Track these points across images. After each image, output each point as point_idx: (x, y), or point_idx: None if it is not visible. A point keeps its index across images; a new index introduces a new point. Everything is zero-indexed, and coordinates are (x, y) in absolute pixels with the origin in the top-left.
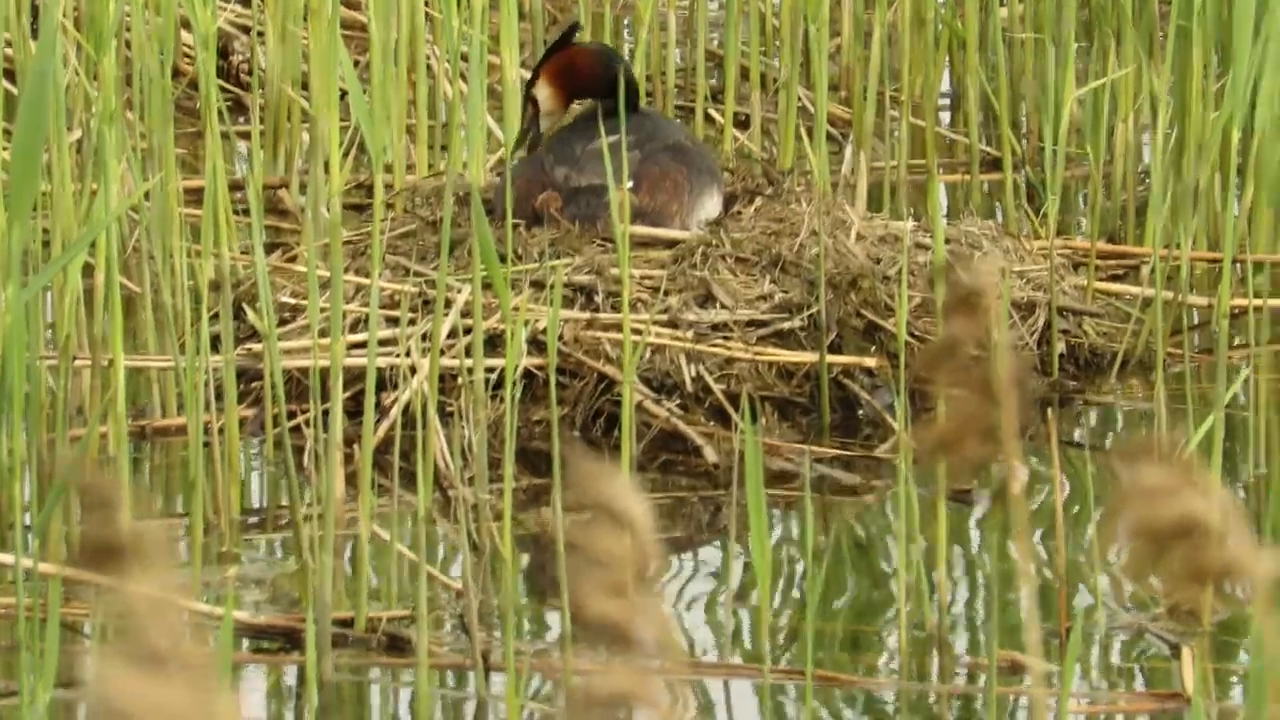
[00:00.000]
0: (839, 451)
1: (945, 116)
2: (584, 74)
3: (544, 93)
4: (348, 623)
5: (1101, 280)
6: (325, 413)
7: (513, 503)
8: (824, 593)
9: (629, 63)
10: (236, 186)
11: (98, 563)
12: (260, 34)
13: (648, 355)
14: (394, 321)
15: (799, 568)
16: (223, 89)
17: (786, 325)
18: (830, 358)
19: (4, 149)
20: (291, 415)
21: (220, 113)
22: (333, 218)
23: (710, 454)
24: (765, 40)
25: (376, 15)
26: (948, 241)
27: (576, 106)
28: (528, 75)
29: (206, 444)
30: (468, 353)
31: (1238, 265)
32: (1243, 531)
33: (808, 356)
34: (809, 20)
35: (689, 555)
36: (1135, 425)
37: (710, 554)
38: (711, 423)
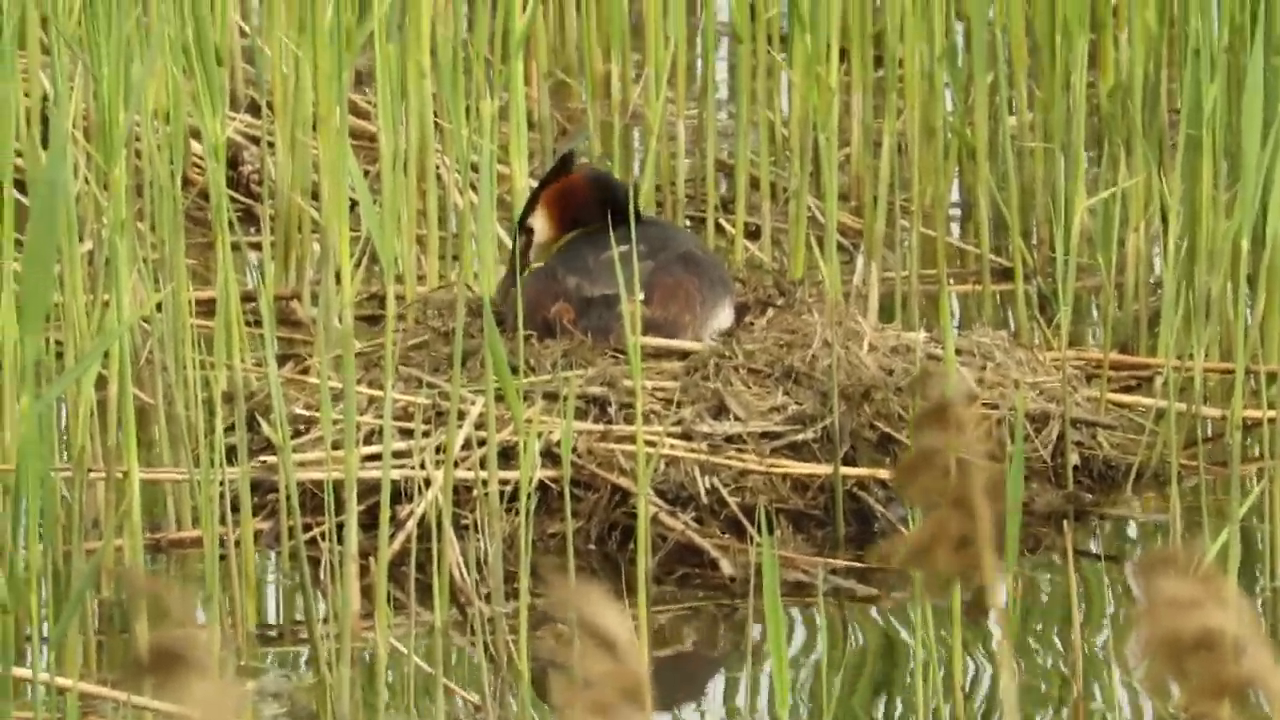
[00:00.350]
0: (854, 564)
1: (956, 226)
2: (581, 201)
3: (540, 222)
4: None
5: (1115, 391)
6: (340, 525)
7: (529, 616)
8: (842, 705)
9: (627, 184)
10: (248, 297)
11: (158, 671)
12: (270, 144)
13: (662, 467)
14: (408, 433)
15: (816, 680)
16: (233, 199)
17: (800, 437)
18: (844, 470)
19: (16, 260)
20: (307, 528)
21: (231, 223)
22: (345, 329)
23: (727, 566)
24: (775, 149)
25: (385, 125)
26: (959, 353)
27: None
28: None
29: (222, 557)
30: (482, 465)
31: (1251, 376)
32: (1262, 644)
33: (822, 469)
34: (818, 129)
35: (708, 668)
36: (1150, 538)
37: (729, 667)
38: (727, 535)
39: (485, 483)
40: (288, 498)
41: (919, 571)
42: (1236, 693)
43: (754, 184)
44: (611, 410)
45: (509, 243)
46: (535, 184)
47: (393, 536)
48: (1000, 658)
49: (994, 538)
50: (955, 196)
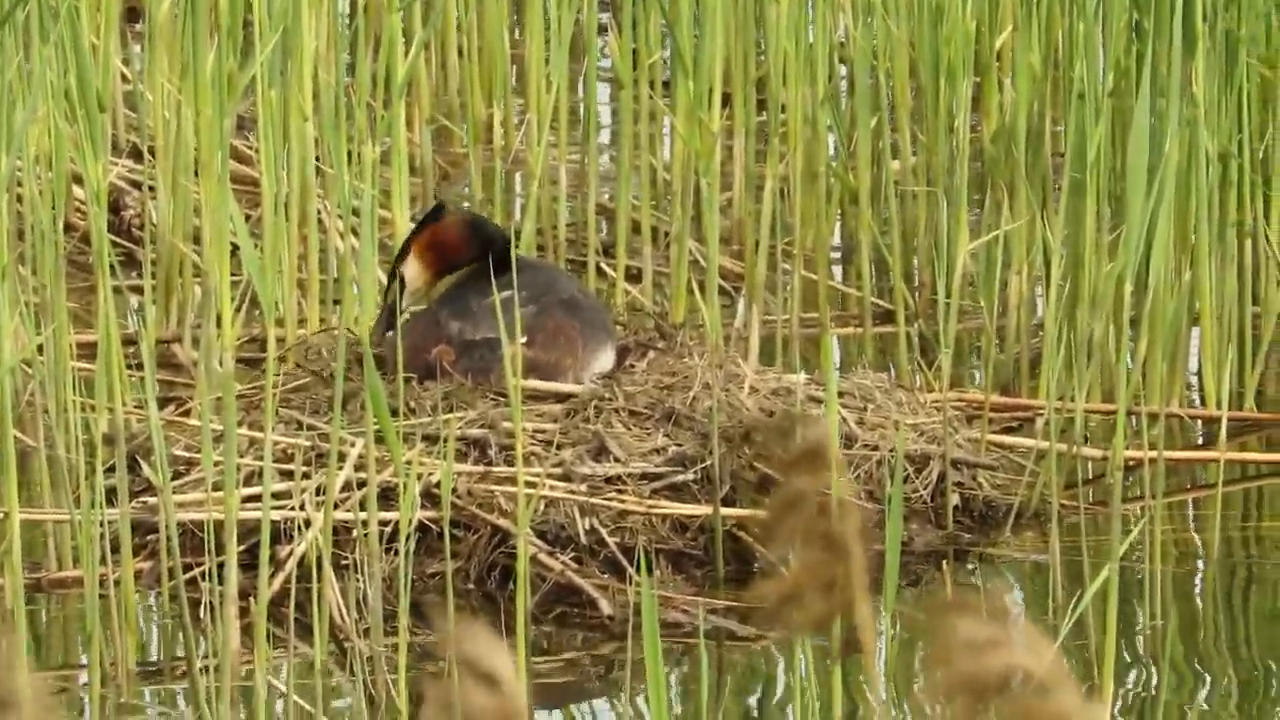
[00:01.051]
0: (734, 603)
1: (838, 270)
2: (454, 246)
3: (412, 270)
4: None
5: (995, 433)
6: (221, 565)
7: (408, 655)
8: None
9: (503, 227)
10: (129, 341)
11: None
12: (152, 189)
13: (542, 508)
14: (288, 475)
15: (696, 718)
16: (114, 243)
17: (680, 478)
18: (724, 510)
19: None
20: (187, 568)
21: (112, 267)
22: (225, 372)
23: (605, 606)
24: (657, 194)
25: (267, 169)
26: (840, 395)
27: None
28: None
29: (103, 596)
30: (362, 506)
31: (1132, 417)
32: (1070, 683)
33: (702, 509)
34: (700, 174)
35: (585, 709)
36: (1030, 578)
37: (606, 707)
38: (606, 575)
39: (365, 523)
40: (168, 538)
41: (791, 613)
42: None
43: (635, 228)
44: (492, 452)
45: (384, 287)
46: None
47: (273, 576)
48: (872, 700)
49: (865, 578)
50: (837, 240)
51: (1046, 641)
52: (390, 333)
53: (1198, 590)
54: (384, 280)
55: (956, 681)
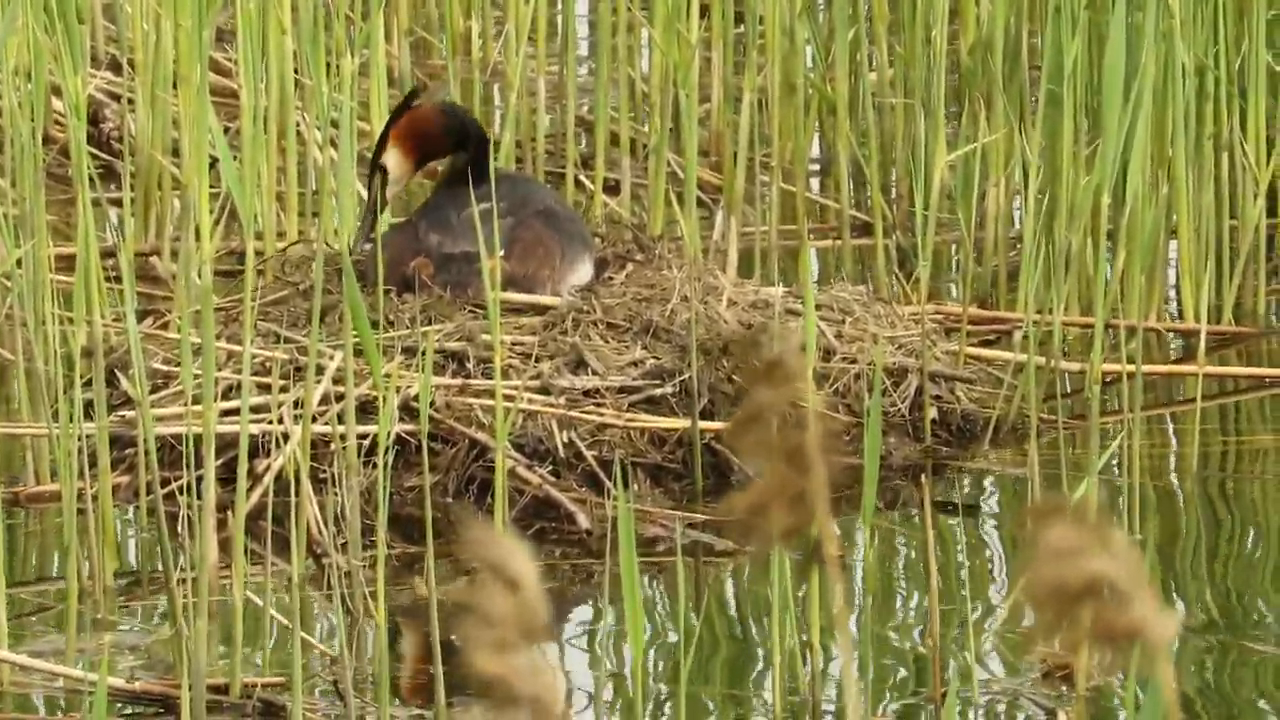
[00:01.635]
0: (711, 517)
1: (815, 182)
2: (432, 132)
3: (393, 158)
4: (223, 689)
5: (973, 346)
6: (199, 479)
7: (386, 569)
8: (698, 658)
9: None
10: (108, 254)
11: None
12: (130, 101)
13: (520, 421)
14: (266, 388)
15: (673, 633)
16: (94, 156)
17: (658, 391)
18: (702, 424)
19: None
20: (165, 482)
21: (91, 180)
22: (204, 285)
23: (583, 520)
24: (635, 106)
25: (246, 82)
26: (818, 308)
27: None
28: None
29: (81, 511)
30: (340, 419)
31: (1110, 330)
32: (1148, 592)
33: (680, 423)
34: (678, 86)
35: (562, 622)
36: (1008, 491)
37: (584, 620)
38: (584, 489)
39: (343, 437)
40: (146, 452)
41: (758, 526)
42: (1123, 640)
43: (614, 140)
44: (470, 365)
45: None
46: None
47: (250, 490)
48: (838, 618)
49: (829, 490)
50: (815, 152)
51: (1133, 551)
52: (369, 244)
53: (1176, 504)
54: (363, 190)
55: (1045, 588)
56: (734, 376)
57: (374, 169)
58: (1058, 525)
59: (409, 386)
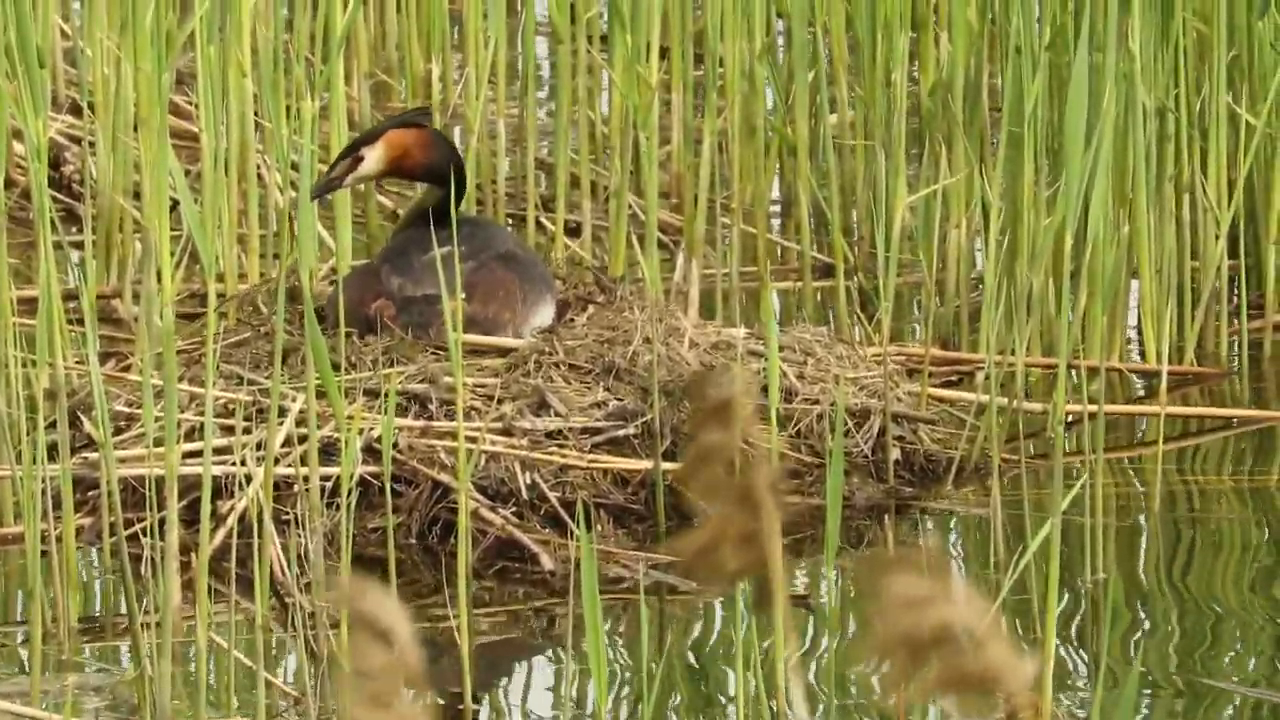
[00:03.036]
0: (674, 558)
1: (776, 224)
2: (419, 161)
3: (374, 155)
4: None
5: (936, 386)
6: (162, 521)
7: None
8: (662, 699)
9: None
10: (70, 296)
11: None
12: (91, 144)
13: (483, 463)
14: (229, 430)
15: (636, 674)
16: (55, 199)
17: (621, 433)
18: (665, 465)
19: None
20: (128, 523)
21: (53, 223)
22: (165, 326)
23: (546, 561)
24: (595, 148)
25: (206, 124)
26: (780, 349)
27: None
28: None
29: (44, 552)
30: (303, 461)
31: (1072, 371)
32: (1001, 638)
33: (642, 464)
34: (638, 128)
35: (525, 663)
36: (971, 531)
37: (547, 662)
38: (548, 530)
39: (306, 478)
40: (109, 494)
41: (708, 567)
42: (979, 685)
43: (574, 182)
44: (432, 406)
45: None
46: (385, 119)
47: (214, 532)
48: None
49: (782, 531)
50: (776, 194)
51: (982, 597)
52: (333, 287)
53: (1140, 544)
54: (326, 234)
55: (893, 637)
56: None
57: (350, 151)
58: (905, 574)
59: (372, 428)
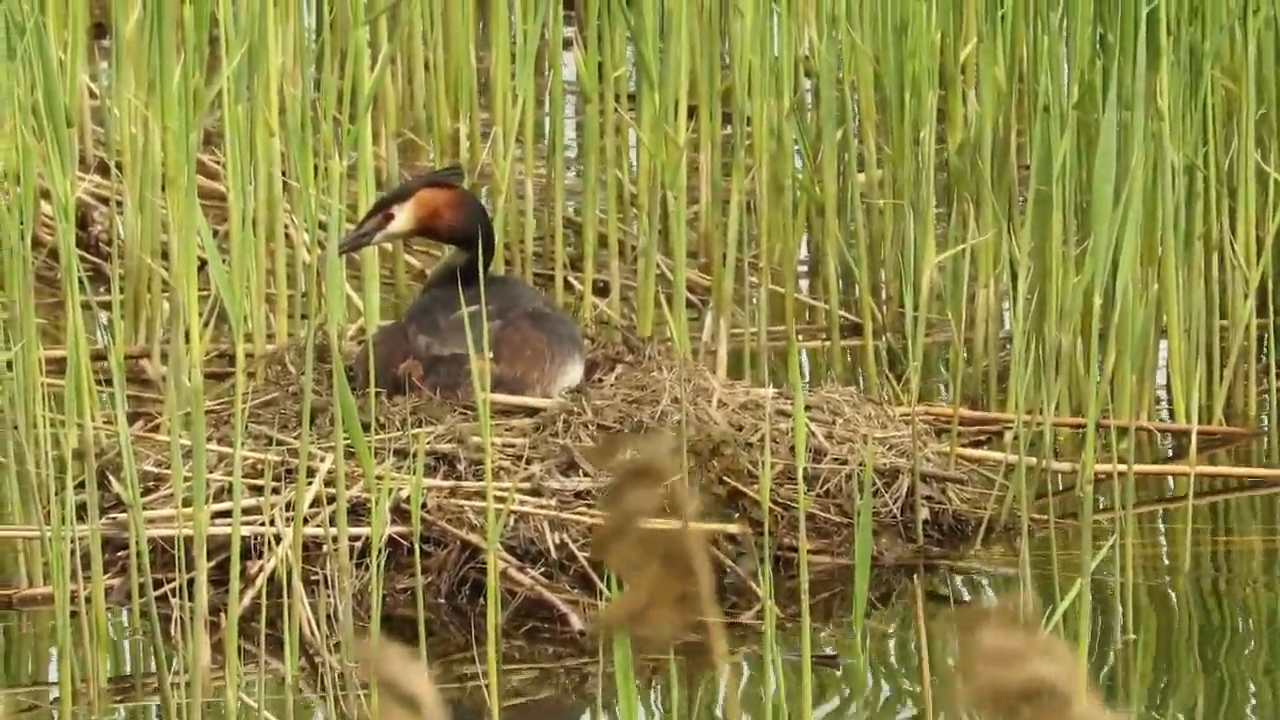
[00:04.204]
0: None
1: (804, 283)
2: (448, 221)
3: (404, 214)
4: None
5: (964, 446)
6: (191, 581)
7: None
8: None
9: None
10: (98, 356)
11: None
12: (119, 204)
13: (511, 523)
14: (258, 490)
15: None
16: (83, 259)
17: None
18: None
19: None
20: (158, 584)
21: (81, 282)
22: (194, 387)
23: (576, 621)
24: (623, 207)
25: (234, 184)
26: (808, 408)
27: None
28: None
29: (74, 613)
30: (331, 521)
31: (1101, 430)
32: (1089, 693)
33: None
34: (666, 187)
35: None
36: (1000, 591)
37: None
38: (577, 590)
39: (335, 539)
40: (138, 554)
41: (636, 632)
42: None
43: (602, 241)
44: (461, 467)
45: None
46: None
47: (243, 592)
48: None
49: (711, 593)
50: (804, 253)
51: (1069, 651)
52: (360, 347)
53: (1169, 603)
54: (354, 294)
55: (982, 692)
56: (725, 478)
57: (381, 208)
58: (995, 629)
59: (400, 489)
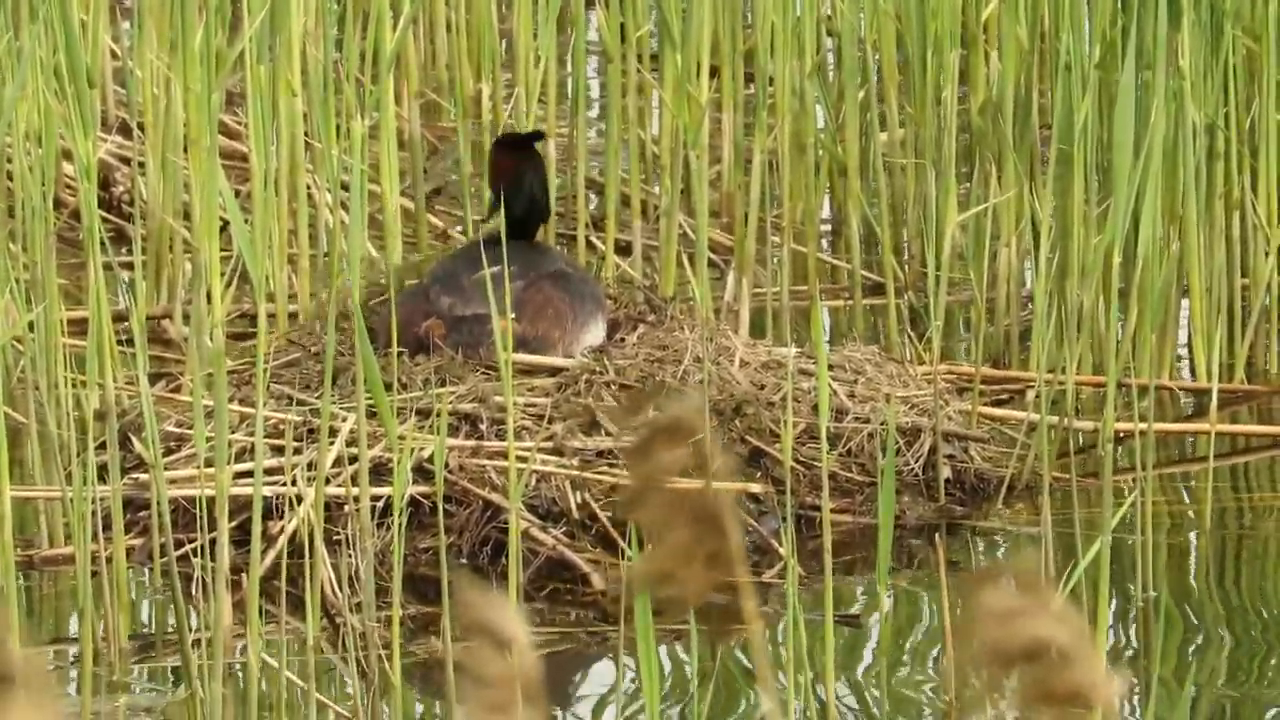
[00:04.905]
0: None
1: (827, 242)
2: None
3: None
4: None
5: (986, 405)
6: (213, 541)
7: (401, 630)
8: (713, 717)
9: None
10: (120, 317)
11: None
12: (141, 165)
13: (533, 483)
14: (279, 450)
15: (689, 692)
16: (105, 220)
17: None
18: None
19: None
20: (179, 544)
21: (103, 243)
22: (216, 347)
23: (598, 581)
24: (645, 167)
25: (256, 145)
26: (831, 367)
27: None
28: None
29: (95, 573)
30: (353, 481)
31: (1122, 389)
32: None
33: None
34: (689, 147)
35: (578, 682)
36: (1022, 550)
37: (600, 681)
38: (598, 550)
39: (357, 499)
40: (160, 514)
41: (665, 592)
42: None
43: (625, 201)
44: (483, 426)
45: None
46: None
47: (265, 552)
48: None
49: (741, 553)
50: (826, 213)
51: (1074, 612)
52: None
53: (1190, 561)
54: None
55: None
56: (747, 437)
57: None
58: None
59: (423, 448)
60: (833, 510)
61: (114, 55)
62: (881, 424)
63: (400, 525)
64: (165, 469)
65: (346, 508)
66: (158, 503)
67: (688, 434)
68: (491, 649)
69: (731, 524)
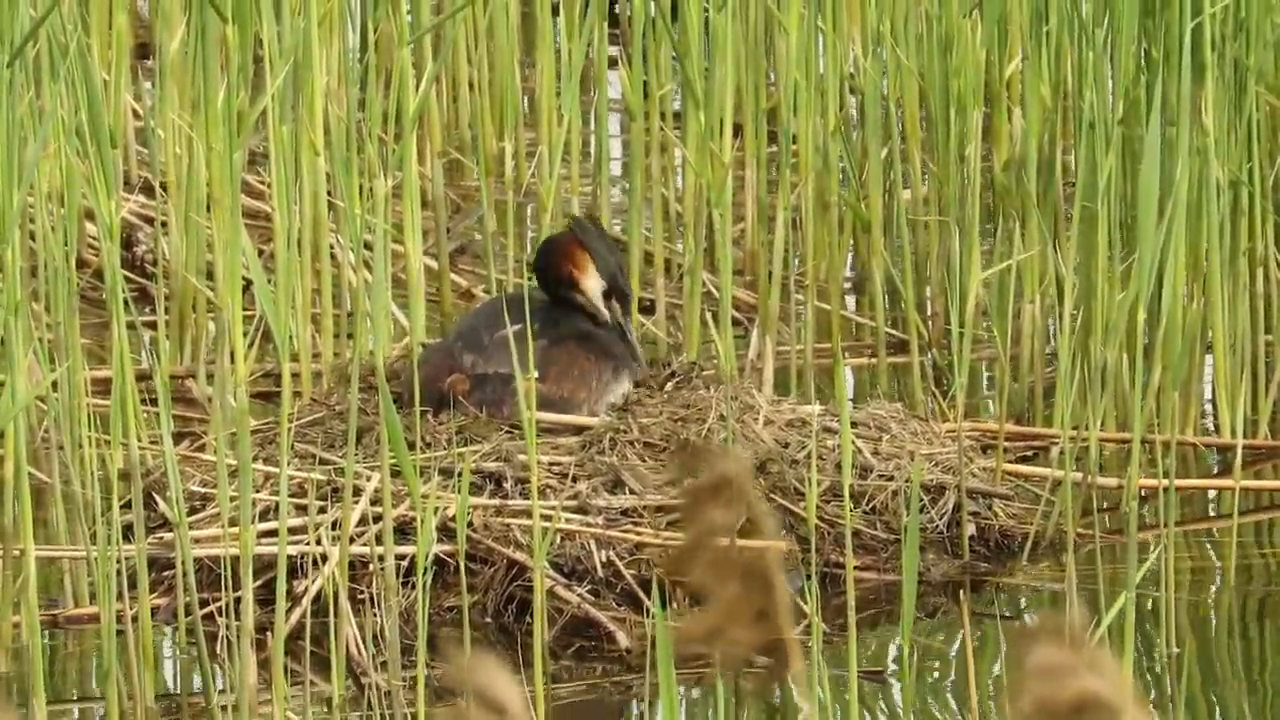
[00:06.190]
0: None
1: (850, 300)
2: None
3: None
4: None
5: (1010, 462)
6: (237, 601)
7: (426, 689)
8: None
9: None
10: (143, 376)
11: None
12: (164, 224)
13: (558, 541)
14: (303, 509)
15: None
16: (128, 279)
17: None
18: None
19: None
20: (204, 603)
21: (126, 303)
22: (239, 406)
23: (623, 639)
24: (669, 225)
25: (279, 204)
26: (855, 425)
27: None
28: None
29: (120, 632)
30: (378, 540)
31: (1146, 446)
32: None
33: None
34: (712, 205)
35: None
36: (1046, 607)
37: None
38: (623, 607)
39: (381, 558)
40: (185, 574)
41: (715, 649)
42: None
43: (648, 259)
44: (507, 485)
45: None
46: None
47: (289, 611)
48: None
49: (789, 609)
50: (850, 270)
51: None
52: (406, 366)
53: (1214, 619)
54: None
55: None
56: (771, 495)
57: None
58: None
59: (446, 507)
60: (857, 567)
61: (136, 115)
62: (906, 481)
63: (425, 584)
64: (190, 528)
65: (371, 567)
66: (182, 562)
67: (736, 493)
68: (489, 713)
69: (780, 581)
